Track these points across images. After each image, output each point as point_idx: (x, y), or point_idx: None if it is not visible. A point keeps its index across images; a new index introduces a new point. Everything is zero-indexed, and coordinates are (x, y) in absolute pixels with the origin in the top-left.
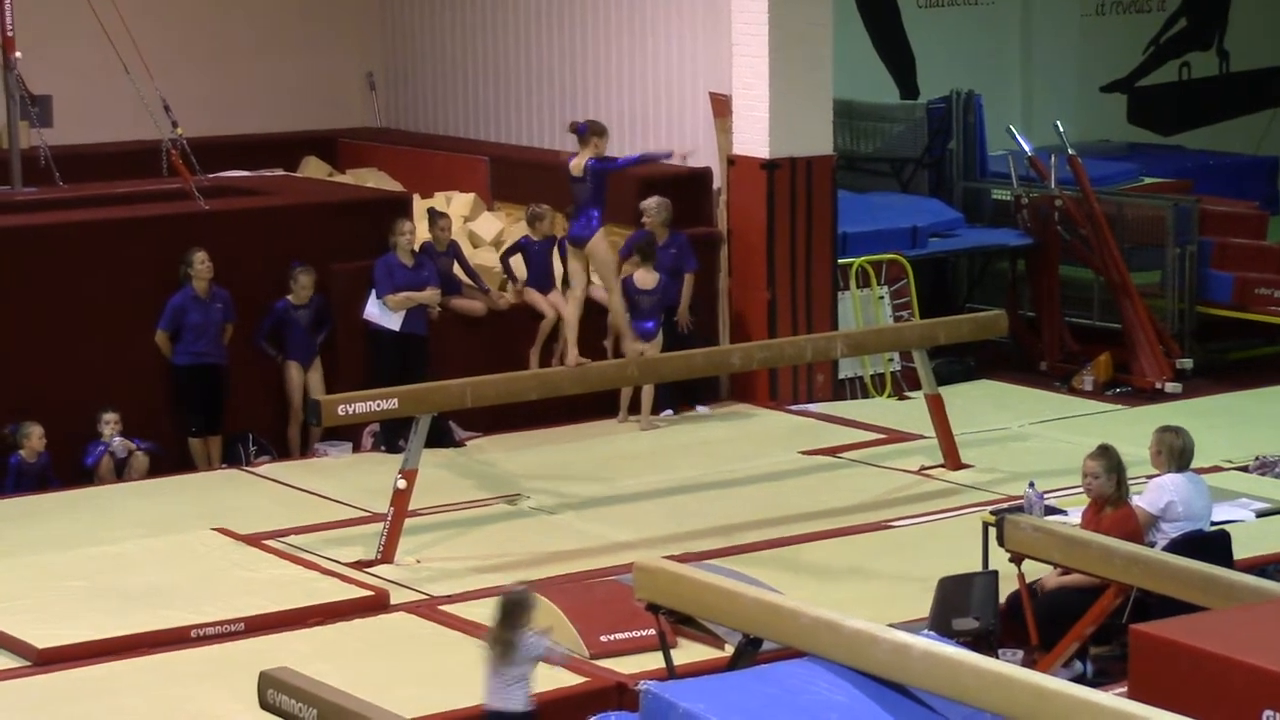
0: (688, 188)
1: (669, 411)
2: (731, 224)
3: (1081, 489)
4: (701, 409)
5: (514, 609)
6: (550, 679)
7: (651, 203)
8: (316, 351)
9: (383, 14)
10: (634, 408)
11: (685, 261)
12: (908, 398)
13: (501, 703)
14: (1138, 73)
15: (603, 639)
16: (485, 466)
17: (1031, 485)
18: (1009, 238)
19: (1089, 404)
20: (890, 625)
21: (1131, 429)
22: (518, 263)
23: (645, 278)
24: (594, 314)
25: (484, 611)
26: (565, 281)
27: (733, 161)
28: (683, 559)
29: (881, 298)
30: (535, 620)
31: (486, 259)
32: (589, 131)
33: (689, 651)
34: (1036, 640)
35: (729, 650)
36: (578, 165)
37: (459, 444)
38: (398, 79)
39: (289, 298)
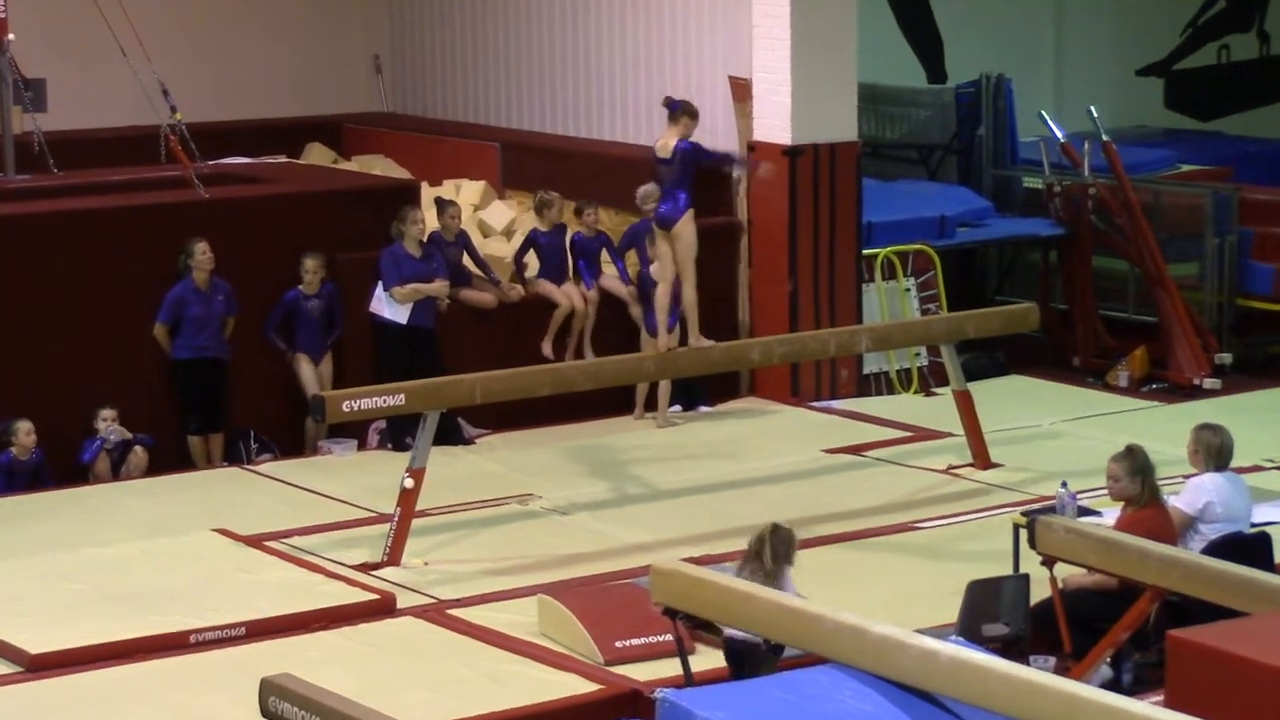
0: (705, 174)
1: (677, 408)
2: (751, 213)
3: None
4: (704, 409)
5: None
6: (562, 686)
7: (649, 189)
8: (328, 346)
9: None
10: (650, 404)
11: None
12: (935, 394)
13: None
14: (1175, 55)
15: (618, 645)
16: (496, 465)
17: (1064, 485)
18: (1040, 227)
19: (1124, 401)
20: (917, 631)
21: (1168, 426)
22: (531, 258)
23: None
24: (609, 307)
25: (495, 616)
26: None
27: (753, 148)
28: (701, 561)
29: (908, 290)
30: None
31: (497, 249)
32: (681, 110)
33: (707, 658)
34: (1069, 647)
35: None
36: (665, 146)
37: (468, 441)
38: (405, 61)
39: (300, 287)
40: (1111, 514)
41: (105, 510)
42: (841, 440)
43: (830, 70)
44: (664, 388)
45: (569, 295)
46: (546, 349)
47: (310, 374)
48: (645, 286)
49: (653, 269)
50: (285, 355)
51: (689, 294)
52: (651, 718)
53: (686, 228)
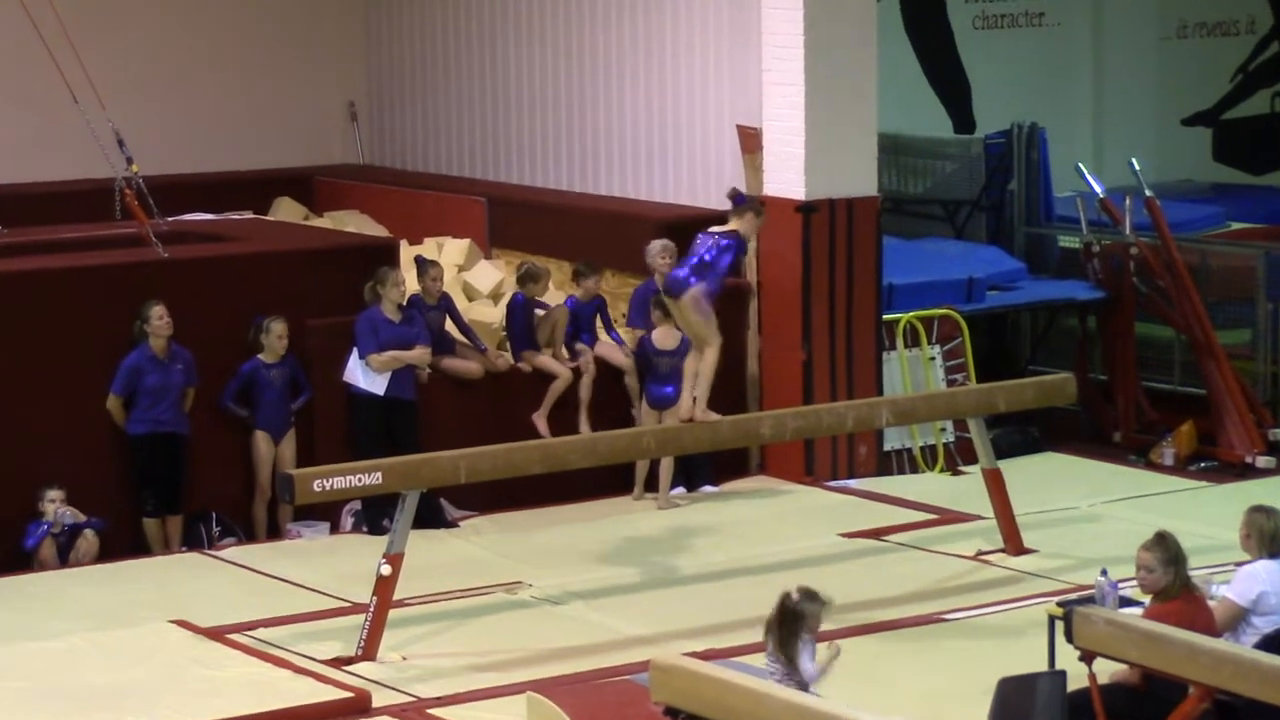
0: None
1: (680, 489)
2: (762, 274)
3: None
4: (709, 489)
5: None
6: None
7: (655, 246)
8: (290, 420)
9: (366, 37)
10: (651, 484)
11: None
12: (963, 473)
13: None
14: (1224, 103)
15: None
16: (481, 550)
17: (1104, 573)
18: (1078, 290)
19: (1169, 480)
20: None
21: (1218, 509)
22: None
23: (665, 336)
24: (606, 378)
25: (480, 715)
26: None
27: (763, 203)
28: (705, 656)
29: (933, 358)
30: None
31: (483, 313)
32: (746, 206)
33: None
34: None
35: None
36: (722, 231)
37: (451, 524)
38: (383, 109)
39: (259, 355)
40: None
41: (50, 600)
42: (860, 523)
43: (848, 118)
44: (665, 465)
45: (567, 365)
46: (541, 424)
47: (267, 454)
48: (646, 352)
49: (655, 335)
50: (248, 422)
51: (708, 359)
52: None
53: (687, 306)
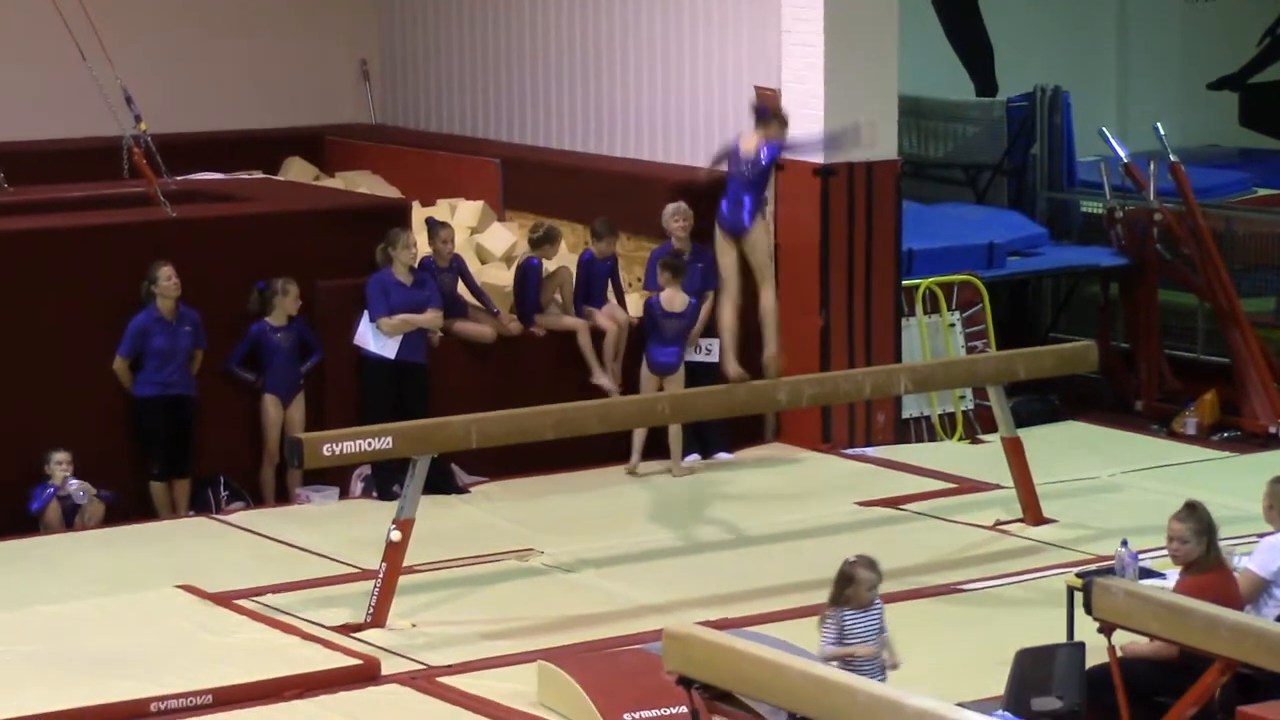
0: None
1: (695, 456)
2: (780, 239)
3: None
4: (723, 456)
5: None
6: None
7: (671, 209)
8: (300, 384)
9: None
10: (658, 452)
11: (709, 279)
12: (981, 441)
13: None
14: (1251, 68)
15: (627, 717)
16: (492, 516)
17: (1124, 544)
18: (1100, 257)
19: (1191, 450)
20: (960, 705)
21: (1240, 480)
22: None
23: (673, 298)
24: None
25: (490, 684)
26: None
27: (781, 166)
28: (720, 625)
29: (952, 325)
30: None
31: (496, 276)
32: (771, 116)
33: None
34: None
35: None
36: (749, 150)
37: (462, 490)
38: (395, 68)
39: (267, 318)
40: (1175, 575)
41: (58, 564)
42: (877, 492)
43: (868, 81)
44: (674, 433)
45: (610, 318)
46: (604, 379)
47: (276, 418)
48: (654, 314)
49: (663, 297)
50: (256, 386)
51: (769, 300)
52: None
53: (762, 233)
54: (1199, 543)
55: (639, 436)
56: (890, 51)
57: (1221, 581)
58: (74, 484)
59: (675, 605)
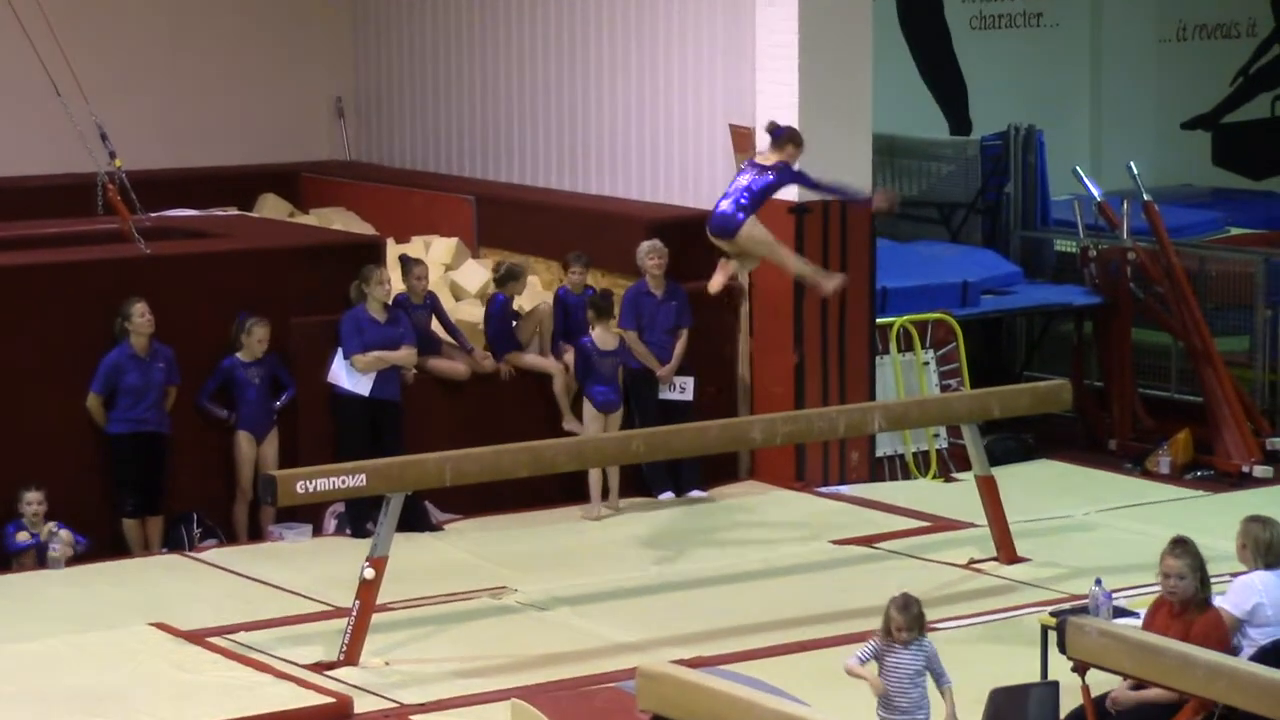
0: (703, 232)
1: (669, 494)
2: (754, 276)
3: (1158, 588)
4: (697, 494)
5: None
6: None
7: (645, 247)
8: (273, 420)
9: (354, 32)
10: (625, 489)
11: (683, 316)
12: (955, 479)
13: None
14: (1224, 107)
15: None
16: (466, 554)
17: (1098, 583)
18: (1074, 295)
19: (1165, 489)
20: None
21: (1214, 519)
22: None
23: (604, 337)
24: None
25: None
26: None
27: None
28: (693, 664)
29: (926, 363)
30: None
31: (470, 313)
32: (786, 137)
33: None
34: None
35: None
36: (766, 158)
37: (436, 527)
38: (370, 106)
39: (238, 354)
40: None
41: (27, 600)
42: (851, 530)
43: (842, 119)
44: (613, 472)
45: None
46: (575, 424)
47: (249, 455)
48: (588, 355)
49: (594, 336)
50: (228, 423)
51: (797, 264)
52: None
53: (754, 226)
54: (1194, 578)
55: (596, 483)
56: (865, 90)
57: (1216, 623)
58: (57, 547)
59: (649, 644)
